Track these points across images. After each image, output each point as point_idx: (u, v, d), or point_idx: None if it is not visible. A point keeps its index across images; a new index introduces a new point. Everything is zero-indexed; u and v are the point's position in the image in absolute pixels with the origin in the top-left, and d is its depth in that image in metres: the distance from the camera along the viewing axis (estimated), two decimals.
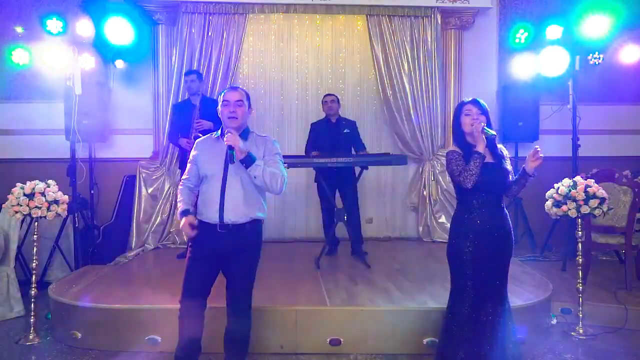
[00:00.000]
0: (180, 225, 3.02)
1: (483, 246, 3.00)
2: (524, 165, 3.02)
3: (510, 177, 3.09)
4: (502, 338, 3.01)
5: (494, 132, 2.96)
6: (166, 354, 3.52)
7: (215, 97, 5.45)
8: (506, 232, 3.06)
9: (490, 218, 3.01)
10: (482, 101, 3.07)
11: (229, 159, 2.91)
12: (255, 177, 2.89)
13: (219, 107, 3.04)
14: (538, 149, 2.95)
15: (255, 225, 3.02)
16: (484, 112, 3.02)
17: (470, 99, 3.09)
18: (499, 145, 3.11)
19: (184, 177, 3.14)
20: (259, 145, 3.02)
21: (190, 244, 3.05)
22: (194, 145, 3.14)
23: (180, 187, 3.15)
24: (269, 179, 2.90)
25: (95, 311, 3.80)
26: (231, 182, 2.94)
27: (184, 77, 5.37)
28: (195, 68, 5.90)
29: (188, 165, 3.12)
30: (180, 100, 5.86)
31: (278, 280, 4.57)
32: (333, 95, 5.50)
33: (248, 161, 2.88)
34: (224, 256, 2.98)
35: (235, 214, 2.93)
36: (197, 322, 3.03)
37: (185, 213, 3.02)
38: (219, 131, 3.07)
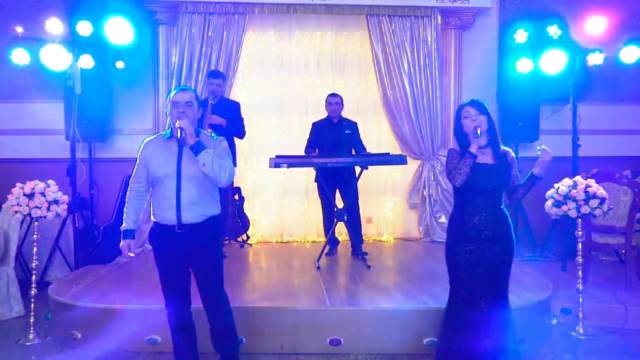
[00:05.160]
0: (120, 245, 3.01)
1: (479, 247, 3.00)
2: (532, 169, 3.03)
3: (515, 180, 3.09)
4: (499, 338, 3.01)
5: (478, 134, 2.97)
6: (166, 353, 3.53)
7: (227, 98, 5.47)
8: (504, 234, 3.05)
9: (487, 219, 3.01)
10: (481, 100, 3.07)
11: (180, 139, 2.88)
12: (204, 164, 2.87)
13: (168, 108, 3.01)
14: (545, 148, 2.99)
15: (212, 222, 3.01)
16: (483, 112, 3.03)
17: (468, 100, 3.11)
18: (505, 148, 3.11)
19: (132, 179, 3.07)
20: (209, 144, 2.98)
21: (152, 248, 3.05)
22: (142, 146, 3.06)
23: (129, 192, 3.08)
24: (218, 168, 2.89)
25: (95, 311, 3.81)
26: (185, 182, 2.92)
27: (209, 79, 5.21)
28: (195, 68, 5.90)
29: (136, 167, 3.05)
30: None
31: (278, 280, 4.57)
32: (338, 96, 5.43)
33: (198, 147, 2.87)
34: (187, 256, 2.97)
35: (193, 213, 2.92)
36: (187, 319, 3.06)
37: (127, 234, 3.01)
38: (169, 131, 3.02)
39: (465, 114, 3.04)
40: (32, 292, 3.91)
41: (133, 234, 3.05)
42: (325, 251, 5.17)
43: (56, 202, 3.94)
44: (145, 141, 3.08)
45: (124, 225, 3.06)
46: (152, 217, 3.04)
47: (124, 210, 3.09)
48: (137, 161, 3.06)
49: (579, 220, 3.94)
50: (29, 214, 3.89)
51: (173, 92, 3.03)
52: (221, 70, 5.91)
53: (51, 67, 5.11)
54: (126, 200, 3.09)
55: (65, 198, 4.03)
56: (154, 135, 3.15)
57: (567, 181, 3.90)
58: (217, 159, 2.91)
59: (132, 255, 3.03)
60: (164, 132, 3.09)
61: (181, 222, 2.91)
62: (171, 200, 2.92)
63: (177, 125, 2.89)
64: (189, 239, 2.93)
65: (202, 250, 2.98)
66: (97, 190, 6.00)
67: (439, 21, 6.19)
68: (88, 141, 5.82)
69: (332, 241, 5.43)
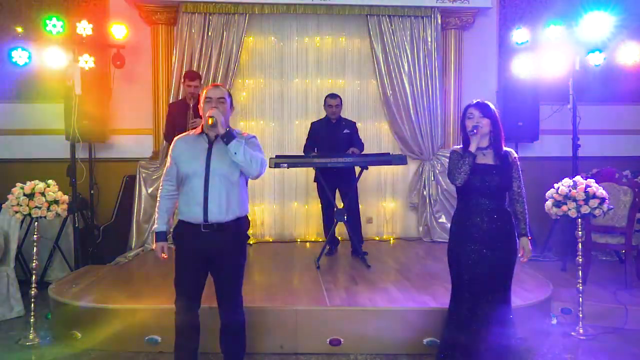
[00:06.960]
0: (154, 246, 3.04)
1: (481, 247, 3.00)
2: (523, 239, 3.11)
3: (515, 184, 3.08)
4: (500, 337, 3.01)
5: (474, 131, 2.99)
6: (166, 354, 3.53)
7: None
8: (506, 235, 3.04)
9: (489, 219, 3.01)
10: (488, 103, 3.06)
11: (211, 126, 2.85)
12: (235, 153, 2.83)
13: (201, 104, 2.99)
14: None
15: (239, 223, 2.99)
16: (487, 114, 3.01)
17: (475, 101, 3.08)
18: (507, 149, 3.10)
19: (164, 178, 3.06)
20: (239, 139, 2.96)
21: (175, 245, 3.03)
22: (173, 144, 3.06)
23: (160, 190, 3.08)
24: (249, 158, 2.86)
25: (95, 311, 3.81)
26: (213, 180, 2.89)
27: (187, 81, 5.25)
28: (195, 68, 5.89)
29: (167, 165, 3.05)
30: (174, 99, 5.87)
31: (278, 280, 4.57)
32: (338, 97, 5.40)
33: (229, 136, 2.85)
34: (210, 257, 2.95)
35: (219, 212, 2.89)
36: (194, 320, 3.03)
37: (160, 236, 3.02)
38: (200, 129, 3.01)
39: (469, 115, 3.04)
40: (32, 292, 3.90)
41: (165, 236, 3.05)
42: (325, 251, 5.17)
43: (56, 202, 3.94)
44: (176, 139, 3.08)
45: (156, 226, 3.05)
46: (178, 215, 3.00)
47: (156, 210, 3.09)
48: (168, 159, 3.05)
49: (579, 220, 3.94)
50: (29, 214, 3.88)
51: (206, 90, 3.01)
52: (220, 70, 5.92)
53: (51, 67, 5.11)
54: (158, 199, 3.08)
55: (65, 198, 4.02)
56: (186, 134, 3.13)
57: (567, 181, 3.89)
58: (248, 149, 2.89)
59: (165, 257, 3.02)
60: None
61: (207, 220, 2.88)
62: (198, 197, 2.88)
63: (208, 115, 2.85)
64: (214, 238, 2.90)
65: (226, 250, 2.95)
66: (97, 190, 6.01)
67: (439, 21, 6.20)
68: (88, 141, 5.82)
69: (332, 241, 5.43)
